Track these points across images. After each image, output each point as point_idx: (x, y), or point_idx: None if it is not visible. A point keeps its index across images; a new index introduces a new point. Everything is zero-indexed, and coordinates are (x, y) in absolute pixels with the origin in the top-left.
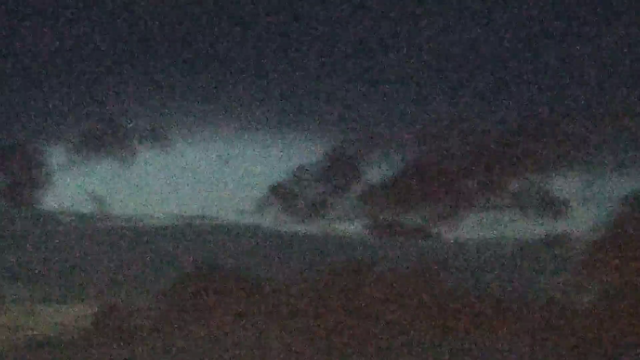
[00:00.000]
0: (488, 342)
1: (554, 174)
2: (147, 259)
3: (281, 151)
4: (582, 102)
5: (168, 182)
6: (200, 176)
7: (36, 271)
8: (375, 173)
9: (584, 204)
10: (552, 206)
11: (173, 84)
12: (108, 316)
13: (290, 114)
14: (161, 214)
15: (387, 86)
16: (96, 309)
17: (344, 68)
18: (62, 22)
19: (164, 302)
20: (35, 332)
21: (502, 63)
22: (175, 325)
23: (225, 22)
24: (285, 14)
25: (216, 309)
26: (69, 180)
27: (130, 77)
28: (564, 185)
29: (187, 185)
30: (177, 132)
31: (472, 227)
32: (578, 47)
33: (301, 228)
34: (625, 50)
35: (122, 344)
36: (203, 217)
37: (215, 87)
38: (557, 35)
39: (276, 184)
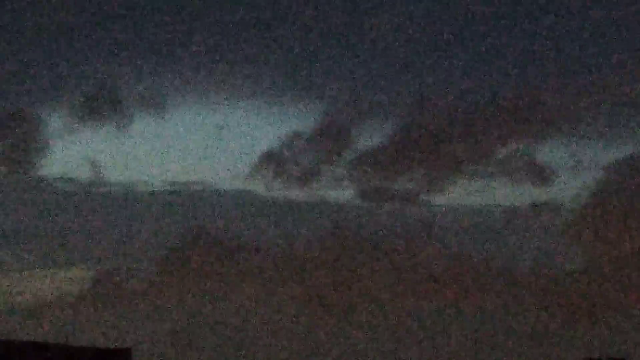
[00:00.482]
0: (475, 305)
1: (541, 143)
2: (142, 223)
3: (274, 118)
4: (570, 72)
5: (163, 148)
6: (195, 143)
7: (33, 236)
8: (366, 141)
9: (570, 172)
10: (539, 174)
11: (169, 52)
12: (104, 279)
13: (284, 83)
14: (156, 180)
15: (378, 56)
16: (92, 272)
17: (336, 38)
18: None
19: (159, 264)
20: (31, 295)
21: (493, 33)
22: (170, 287)
23: None
24: None
25: (209, 272)
26: (65, 146)
27: (126, 44)
28: (551, 153)
29: (182, 151)
30: (173, 99)
31: (461, 194)
32: (567, 19)
33: (293, 193)
34: (612, 24)
35: (117, 305)
36: (197, 182)
37: (211, 56)
38: (548, 6)
39: (269, 151)
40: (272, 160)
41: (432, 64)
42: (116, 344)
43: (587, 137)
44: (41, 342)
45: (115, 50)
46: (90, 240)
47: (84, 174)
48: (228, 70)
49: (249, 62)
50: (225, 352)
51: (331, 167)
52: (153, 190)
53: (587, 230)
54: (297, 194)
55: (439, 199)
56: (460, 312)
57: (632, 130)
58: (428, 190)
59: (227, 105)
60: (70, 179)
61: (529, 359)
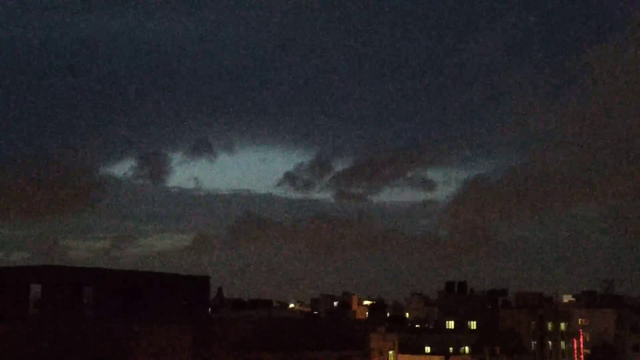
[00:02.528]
0: (398, 254)
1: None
2: (223, 210)
3: (289, 154)
4: None
5: (234, 171)
6: (249, 167)
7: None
8: (339, 167)
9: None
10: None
11: (238, 117)
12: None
13: (294, 136)
14: (232, 188)
15: (345, 124)
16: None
17: (323, 116)
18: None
19: (229, 231)
20: (154, 248)
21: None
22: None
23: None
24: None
25: (255, 237)
26: (181, 170)
27: (214, 114)
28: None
29: (243, 172)
30: (239, 143)
31: (387, 195)
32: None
33: (299, 195)
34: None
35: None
36: (246, 190)
37: (260, 123)
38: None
39: (287, 171)
40: (288, 177)
41: (374, 128)
42: None
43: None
44: (132, 270)
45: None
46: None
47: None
48: (268, 129)
49: (280, 126)
50: None
51: (320, 181)
52: (224, 193)
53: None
54: (301, 195)
55: (375, 198)
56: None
57: None
58: (372, 193)
59: (267, 148)
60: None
61: None
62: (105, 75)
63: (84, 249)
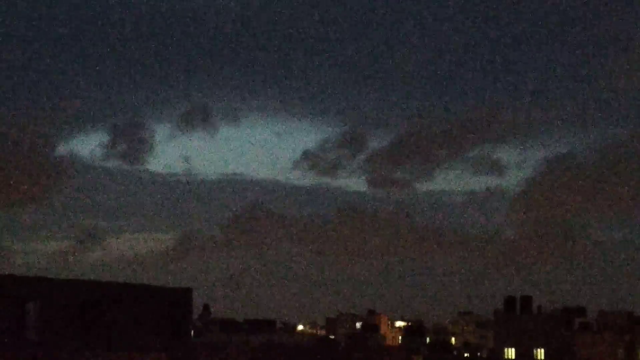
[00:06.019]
0: (446, 261)
1: (497, 147)
2: (219, 201)
3: (312, 127)
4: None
5: (239, 149)
6: (258, 143)
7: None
8: (376, 144)
9: (516, 167)
10: (495, 168)
11: (245, 78)
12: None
13: (319, 103)
14: (233, 171)
15: (385, 87)
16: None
17: (355, 78)
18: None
19: (224, 230)
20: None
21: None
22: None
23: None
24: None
25: (258, 236)
26: (168, 147)
27: (215, 74)
28: (503, 154)
29: (250, 150)
30: (245, 114)
31: (440, 182)
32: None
33: (321, 181)
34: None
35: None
36: (251, 174)
37: (274, 85)
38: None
39: (307, 149)
40: (309, 156)
41: (422, 93)
42: None
43: (529, 142)
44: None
45: (206, 79)
46: (175, 211)
47: (179, 167)
48: (285, 94)
49: (299, 90)
50: None
51: (351, 162)
52: (230, 179)
53: (525, 208)
54: (325, 181)
55: (425, 185)
56: (434, 265)
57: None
58: (418, 179)
59: (283, 119)
60: (167, 171)
61: None
62: (67, 21)
63: (34, 252)
